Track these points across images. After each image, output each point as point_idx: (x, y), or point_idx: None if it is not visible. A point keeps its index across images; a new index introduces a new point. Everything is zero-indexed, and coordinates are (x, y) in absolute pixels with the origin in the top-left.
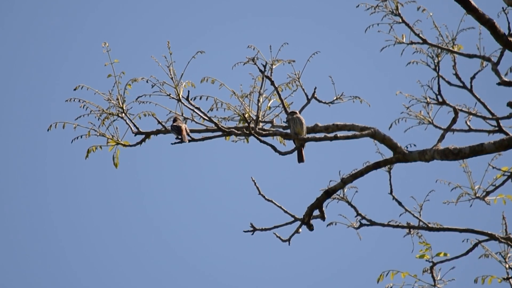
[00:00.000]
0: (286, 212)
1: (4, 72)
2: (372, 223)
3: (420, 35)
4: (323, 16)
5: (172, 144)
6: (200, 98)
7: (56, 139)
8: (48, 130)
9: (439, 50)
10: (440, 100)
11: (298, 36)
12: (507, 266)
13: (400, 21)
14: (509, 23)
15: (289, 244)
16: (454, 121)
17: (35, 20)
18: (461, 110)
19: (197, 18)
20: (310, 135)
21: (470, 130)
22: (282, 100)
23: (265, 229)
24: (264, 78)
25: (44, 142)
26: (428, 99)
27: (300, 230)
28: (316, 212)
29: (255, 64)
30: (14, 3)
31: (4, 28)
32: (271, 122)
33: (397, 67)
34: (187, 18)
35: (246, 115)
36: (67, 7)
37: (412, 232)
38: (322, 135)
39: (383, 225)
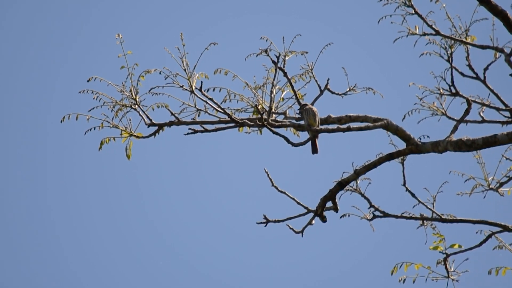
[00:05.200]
0: (299, 203)
1: (7, 68)
2: (385, 214)
3: (433, 26)
4: (335, 8)
5: (185, 134)
6: (214, 90)
7: (55, 137)
8: (61, 121)
9: (452, 42)
10: (453, 91)
11: (310, 28)
12: None
13: (413, 12)
14: None
15: (302, 236)
16: (467, 112)
17: (37, 13)
18: (474, 101)
19: (210, 9)
20: (323, 127)
21: (483, 121)
22: (295, 92)
23: (278, 221)
24: (277, 69)
25: (44, 139)
26: (441, 90)
27: (313, 221)
28: (329, 204)
29: (268, 55)
30: None
31: (6, 23)
32: (284, 113)
33: (410, 58)
34: (199, 8)
35: (259, 107)
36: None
37: (425, 224)
38: (335, 126)
39: (396, 216)
